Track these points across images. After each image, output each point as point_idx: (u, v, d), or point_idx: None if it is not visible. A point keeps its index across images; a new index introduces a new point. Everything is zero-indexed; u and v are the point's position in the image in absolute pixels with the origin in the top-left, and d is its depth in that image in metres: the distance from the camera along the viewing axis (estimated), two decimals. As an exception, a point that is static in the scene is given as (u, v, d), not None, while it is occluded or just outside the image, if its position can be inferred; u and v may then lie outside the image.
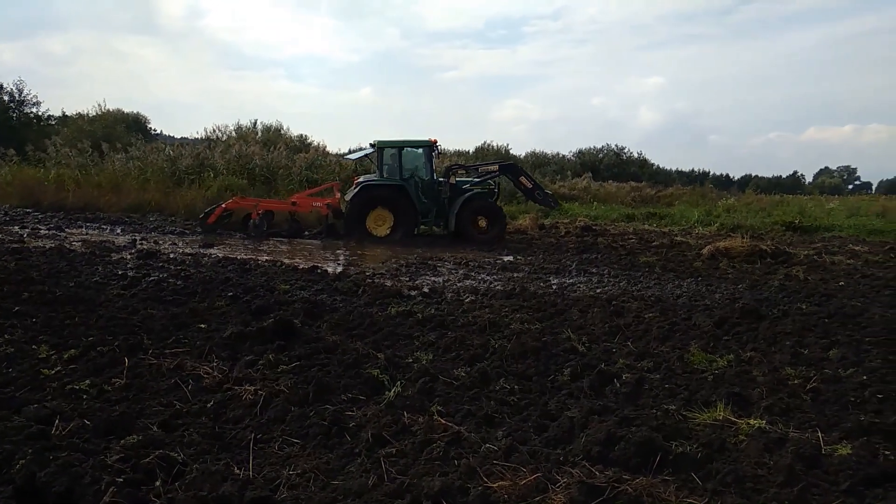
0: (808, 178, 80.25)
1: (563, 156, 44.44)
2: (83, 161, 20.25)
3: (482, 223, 14.62)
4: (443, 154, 17.86)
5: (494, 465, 2.99)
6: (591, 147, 46.08)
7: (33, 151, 21.12)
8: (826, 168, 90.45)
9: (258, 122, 34.35)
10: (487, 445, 3.24)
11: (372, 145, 15.15)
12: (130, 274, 7.54)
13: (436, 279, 9.06)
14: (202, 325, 5.31)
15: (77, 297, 5.90)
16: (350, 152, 24.99)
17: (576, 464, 3.03)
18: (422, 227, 15.07)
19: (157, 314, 5.52)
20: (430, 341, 5.29)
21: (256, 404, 3.68)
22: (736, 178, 62.35)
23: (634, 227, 19.35)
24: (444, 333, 5.54)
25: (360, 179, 15.06)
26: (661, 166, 49.60)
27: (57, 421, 3.24)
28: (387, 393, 3.98)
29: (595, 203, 26.61)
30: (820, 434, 3.43)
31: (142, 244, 11.04)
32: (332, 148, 32.89)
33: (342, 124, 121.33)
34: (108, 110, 32.47)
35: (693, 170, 57.49)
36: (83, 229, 13.29)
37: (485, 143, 39.97)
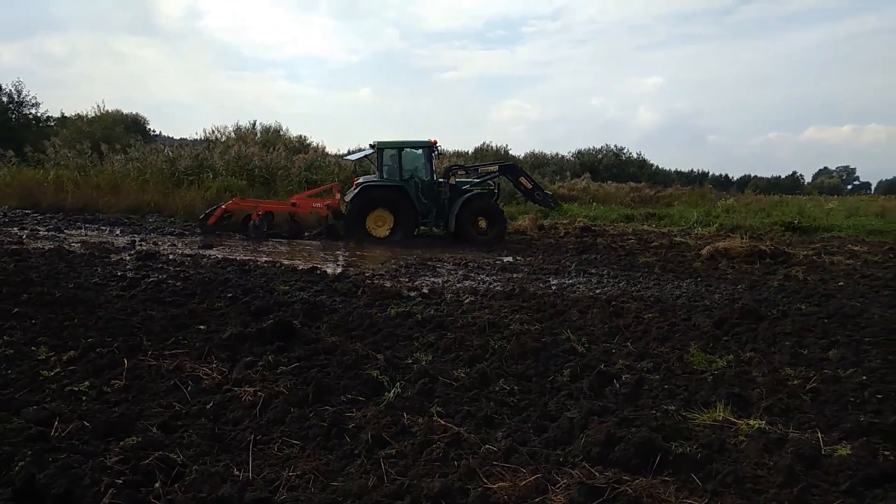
0: (808, 179, 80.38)
1: (563, 156, 44.54)
2: (82, 162, 20.24)
3: (482, 224, 14.63)
4: (442, 155, 17.86)
5: (494, 466, 2.98)
6: (591, 147, 46.18)
7: (32, 152, 21.11)
8: (825, 168, 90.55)
9: (257, 123, 34.44)
10: (487, 446, 3.24)
11: (372, 146, 15.16)
12: (130, 275, 7.53)
13: (435, 280, 9.06)
14: (201, 327, 5.31)
15: (76, 298, 5.89)
16: (349, 153, 25.02)
17: (575, 465, 3.03)
18: (422, 227, 15.06)
19: (156, 315, 5.52)
20: (429, 342, 5.29)
21: (256, 405, 3.68)
22: (735, 179, 62.46)
23: (634, 227, 19.36)
24: (444, 334, 5.54)
25: (360, 180, 15.06)
26: (660, 167, 49.72)
27: (56, 422, 3.24)
28: (386, 394, 3.98)
29: (594, 203, 26.63)
30: (819, 434, 3.43)
31: (141, 245, 11.04)
32: (332, 149, 33.04)
33: (341, 125, 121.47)
34: (107, 111, 32.58)
35: (692, 170, 57.62)
36: (82, 230, 13.28)
37: (484, 143, 40.07)
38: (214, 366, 4.35)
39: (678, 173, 52.66)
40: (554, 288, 8.58)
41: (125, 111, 35.72)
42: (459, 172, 16.40)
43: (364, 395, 3.98)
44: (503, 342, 5.24)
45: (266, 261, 9.88)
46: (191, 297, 6.48)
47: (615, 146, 46.54)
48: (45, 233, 12.24)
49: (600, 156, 45.24)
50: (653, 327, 6.01)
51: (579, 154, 45.36)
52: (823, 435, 3.43)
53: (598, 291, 8.33)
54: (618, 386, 4.28)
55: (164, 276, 7.63)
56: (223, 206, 14.49)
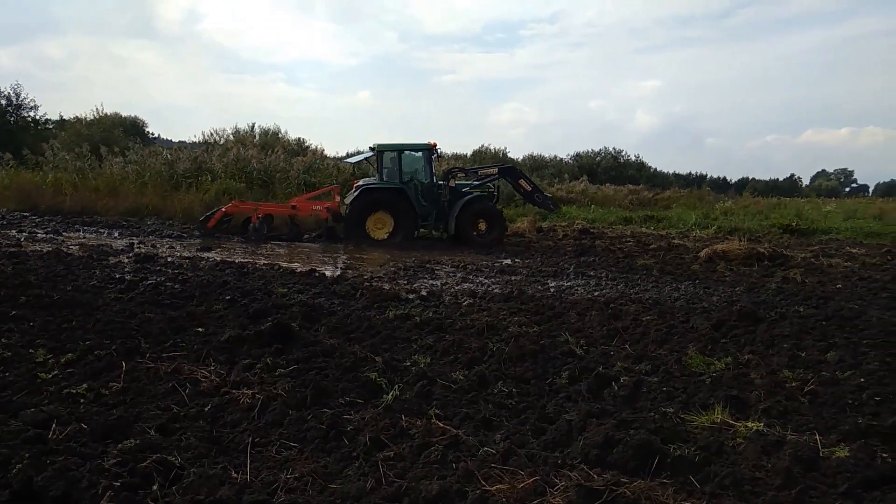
0: (805, 181, 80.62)
1: (561, 159, 44.64)
2: (81, 165, 20.24)
3: (482, 226, 14.65)
4: (441, 157, 17.87)
5: (492, 468, 2.98)
6: (589, 150, 46.28)
7: (30, 155, 21.09)
8: (823, 171, 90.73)
9: (256, 126, 34.48)
10: (485, 449, 3.24)
11: (371, 149, 15.16)
12: (128, 278, 7.53)
13: (434, 282, 9.06)
14: (200, 329, 5.30)
15: (74, 300, 5.89)
16: (348, 156, 25.04)
17: (574, 467, 3.03)
18: (421, 230, 15.06)
19: (154, 318, 5.51)
20: (427, 345, 5.29)
21: (254, 408, 3.68)
22: (733, 181, 62.59)
23: (632, 230, 19.38)
24: (442, 337, 5.54)
25: (360, 183, 15.07)
26: (658, 169, 49.82)
27: (54, 425, 3.23)
28: (385, 396, 3.98)
29: (592, 206, 26.65)
30: (818, 436, 3.43)
31: (139, 248, 11.03)
32: (330, 151, 33.04)
33: (340, 128, 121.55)
34: (106, 114, 32.62)
35: (690, 173, 57.72)
36: (80, 233, 13.27)
37: (482, 146, 40.13)
38: (213, 368, 4.35)
39: (676, 176, 52.79)
40: (552, 290, 8.58)
41: (124, 114, 35.84)
42: (459, 175, 16.41)
43: (362, 398, 3.98)
44: (501, 344, 5.24)
45: (264, 263, 9.88)
46: (189, 299, 6.47)
47: (613, 149, 46.71)
48: (44, 235, 12.23)
49: (598, 158, 45.32)
50: (651, 329, 6.01)
51: (578, 157, 45.46)
52: (821, 437, 3.43)
53: (596, 294, 8.33)
54: (616, 388, 4.28)
55: (163, 279, 7.62)
56: (223, 209, 14.49)
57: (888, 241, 16.34)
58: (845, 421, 3.72)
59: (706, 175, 59.33)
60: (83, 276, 7.45)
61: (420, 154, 15.11)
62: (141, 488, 2.70)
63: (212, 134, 32.64)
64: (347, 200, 14.66)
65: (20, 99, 31.82)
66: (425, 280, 9.26)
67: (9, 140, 26.44)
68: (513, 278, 9.62)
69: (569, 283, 9.32)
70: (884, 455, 3.18)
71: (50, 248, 9.60)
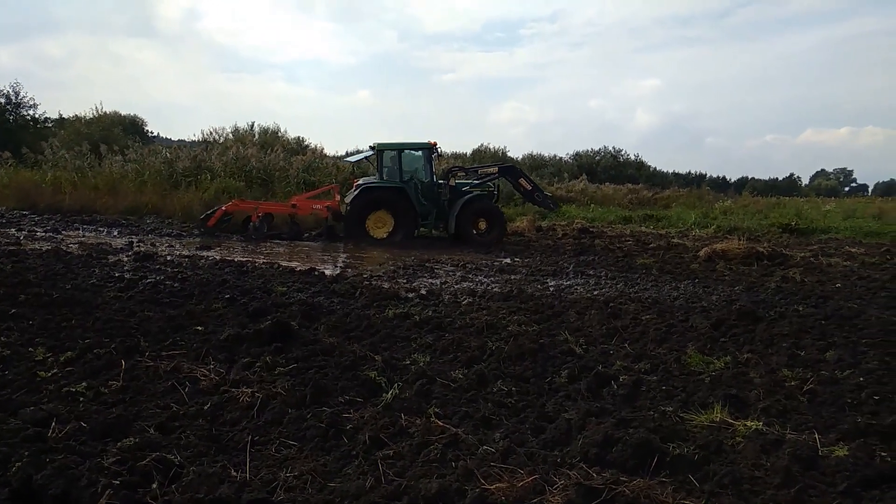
0: (805, 181, 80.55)
1: (561, 158, 44.60)
2: (80, 163, 20.22)
3: (482, 225, 14.64)
4: (441, 157, 17.88)
5: (492, 466, 2.98)
6: (589, 149, 46.26)
7: (29, 154, 21.08)
8: (822, 170, 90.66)
9: (255, 125, 34.47)
10: (485, 447, 3.24)
11: (372, 148, 15.16)
12: (127, 276, 7.52)
13: (433, 281, 9.06)
14: (199, 328, 5.30)
15: (74, 299, 5.88)
16: (348, 155, 25.02)
17: (573, 465, 3.03)
18: (421, 229, 15.06)
19: (153, 316, 5.51)
20: (427, 343, 5.29)
21: (253, 406, 3.68)
22: (733, 181, 62.53)
23: (631, 229, 19.38)
24: (442, 335, 5.54)
25: (360, 182, 15.07)
26: (657, 168, 49.80)
27: (53, 423, 3.23)
28: (384, 395, 3.98)
29: (592, 205, 26.66)
30: (817, 435, 3.44)
31: (139, 246, 11.02)
32: (330, 150, 33.02)
33: (340, 127, 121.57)
34: (105, 113, 32.58)
35: (690, 172, 57.71)
36: (80, 232, 13.26)
37: (482, 145, 40.12)
38: (212, 367, 4.34)
39: (676, 175, 52.77)
40: (552, 289, 8.58)
41: (123, 112, 35.81)
42: (459, 174, 16.41)
43: (362, 396, 3.98)
44: (501, 343, 5.24)
45: (264, 262, 9.87)
46: (188, 298, 6.47)
47: (613, 148, 46.68)
48: (43, 234, 12.22)
49: (598, 157, 45.31)
50: (650, 329, 6.01)
51: (577, 156, 45.45)
52: (821, 436, 3.44)
53: (595, 293, 8.33)
54: (615, 387, 4.28)
55: (162, 277, 7.62)
56: (223, 208, 14.48)
57: (887, 241, 16.36)
58: (844, 420, 3.72)
59: (705, 174, 59.41)
60: (82, 274, 7.44)
61: (420, 153, 15.12)
62: (140, 487, 2.70)
63: (211, 133, 32.67)
64: (347, 199, 14.65)
65: (19, 97, 31.76)
66: (425, 279, 9.26)
67: (8, 139, 26.40)
68: (512, 277, 9.62)
69: (568, 282, 9.32)
70: (883, 454, 3.19)
71: (49, 247, 9.59)
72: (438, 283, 8.93)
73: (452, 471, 2.96)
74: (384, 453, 3.17)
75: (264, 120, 52.52)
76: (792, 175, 77.71)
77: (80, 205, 16.78)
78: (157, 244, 11.84)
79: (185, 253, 10.60)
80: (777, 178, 71.86)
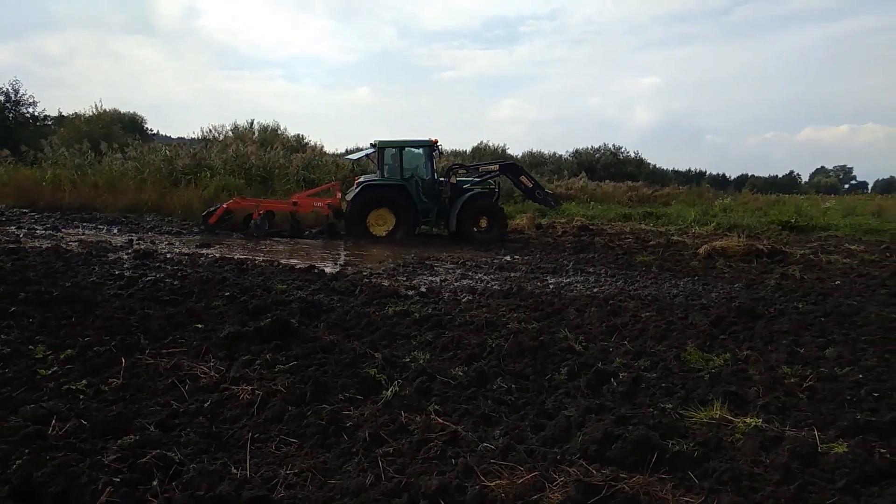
0: (805, 178, 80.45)
1: (560, 156, 44.58)
2: (80, 161, 20.20)
3: (483, 223, 14.63)
4: (441, 154, 17.87)
5: (492, 464, 2.99)
6: (588, 147, 46.22)
7: (28, 151, 21.06)
8: (822, 168, 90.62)
9: (255, 122, 34.41)
10: (484, 444, 3.24)
11: (373, 145, 15.15)
12: (127, 274, 7.52)
13: (433, 279, 9.06)
14: (199, 325, 5.30)
15: (74, 297, 5.88)
16: (348, 152, 25.01)
17: (573, 462, 3.03)
18: (423, 227, 15.05)
19: (153, 314, 5.51)
20: (427, 341, 5.29)
21: (253, 404, 3.68)
22: (732, 178, 62.52)
23: (631, 226, 19.38)
24: (442, 333, 5.54)
25: (361, 179, 15.05)
26: (657, 166, 49.78)
27: (53, 421, 3.23)
28: (384, 392, 3.98)
29: (592, 203, 26.66)
30: (816, 432, 3.44)
31: (138, 244, 11.02)
32: (330, 148, 33.00)
33: (339, 125, 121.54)
34: (105, 110, 32.52)
35: (690, 169, 57.73)
36: (80, 229, 13.25)
37: (481, 142, 40.05)
38: (212, 364, 4.35)
39: (676, 173, 52.78)
40: (552, 287, 8.58)
41: (123, 110, 35.72)
42: (460, 171, 16.40)
43: (362, 394, 3.98)
44: (501, 341, 5.24)
45: (264, 260, 9.87)
46: (188, 295, 6.47)
47: (613, 145, 46.65)
48: (43, 231, 12.21)
49: (598, 155, 45.27)
50: (650, 326, 6.02)
51: (577, 153, 45.42)
52: (820, 433, 3.44)
53: (595, 290, 8.33)
54: (615, 384, 4.28)
55: (162, 275, 7.61)
56: (224, 206, 14.48)
57: (887, 238, 16.37)
58: (844, 417, 3.73)
59: (705, 172, 59.41)
60: (82, 272, 7.44)
61: (421, 151, 15.10)
62: (140, 484, 2.71)
63: (211, 130, 32.60)
64: (348, 197, 14.64)
65: (19, 95, 31.75)
66: (424, 276, 9.26)
67: (7, 137, 26.36)
68: (512, 275, 9.62)
69: (568, 280, 9.32)
70: (882, 451, 3.19)
71: (49, 245, 9.58)
72: (438, 280, 8.93)
73: (452, 468, 2.96)
74: (384, 450, 3.17)
75: (264, 117, 52.56)
76: (791, 172, 77.71)
77: (79, 202, 16.77)
78: (157, 242, 11.84)
79: (185, 251, 10.60)
80: (777, 176, 71.86)
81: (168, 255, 9.62)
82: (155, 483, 2.71)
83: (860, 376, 4.50)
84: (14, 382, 3.80)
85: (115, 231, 13.42)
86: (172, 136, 37.27)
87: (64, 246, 9.65)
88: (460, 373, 4.41)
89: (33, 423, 3.16)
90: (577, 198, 28.29)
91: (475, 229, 14.55)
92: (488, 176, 15.90)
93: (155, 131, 40.03)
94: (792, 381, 4.43)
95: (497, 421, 3.66)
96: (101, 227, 13.95)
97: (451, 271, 9.89)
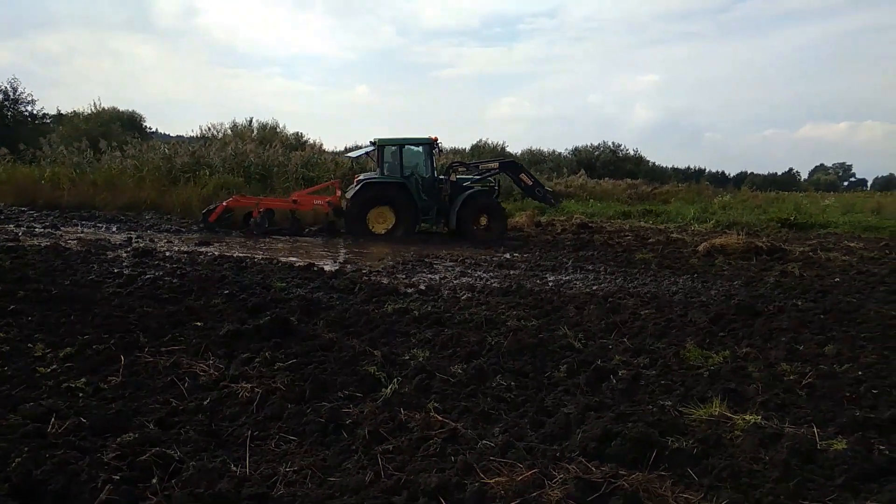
0: (804, 175, 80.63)
1: (559, 153, 44.49)
2: (78, 159, 20.18)
3: (483, 221, 14.60)
4: (441, 152, 17.84)
5: (491, 461, 2.99)
6: (588, 144, 46.15)
7: (27, 149, 21.03)
8: (821, 165, 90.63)
9: (254, 121, 34.31)
10: (484, 442, 3.24)
11: (372, 143, 15.12)
12: (126, 272, 7.52)
13: (432, 276, 9.06)
14: (198, 323, 5.30)
15: (73, 295, 5.88)
16: (347, 151, 24.98)
17: (572, 460, 3.03)
18: (423, 225, 15.04)
19: (153, 312, 5.51)
20: (426, 338, 5.29)
21: (253, 402, 3.68)
22: (732, 176, 62.63)
23: (630, 224, 19.37)
24: (441, 330, 5.54)
25: (361, 177, 15.03)
26: (656, 164, 49.74)
27: (53, 419, 3.24)
28: (383, 390, 3.98)
29: (591, 200, 26.63)
30: (815, 429, 3.45)
31: (137, 242, 11.01)
32: (329, 146, 32.94)
33: (338, 123, 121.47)
34: (104, 109, 32.42)
35: (689, 167, 57.77)
36: (79, 228, 13.24)
37: (480, 140, 39.96)
38: (211, 362, 4.35)
39: (675, 170, 52.82)
40: (551, 284, 8.58)
41: (121, 108, 35.61)
42: (460, 169, 16.37)
43: (361, 391, 3.98)
44: (500, 338, 5.24)
45: (263, 258, 9.87)
46: (187, 294, 6.46)
47: (612, 143, 46.55)
48: (42, 230, 12.20)
49: (597, 153, 45.22)
50: (649, 323, 6.02)
51: (576, 151, 45.36)
52: (819, 430, 3.45)
53: (594, 288, 8.34)
54: (614, 381, 4.29)
55: (161, 273, 7.61)
56: (224, 203, 14.47)
57: (886, 235, 16.38)
58: (843, 414, 3.73)
59: (705, 169, 59.50)
60: (81, 270, 7.44)
61: (421, 148, 15.07)
62: (140, 482, 2.71)
63: (209, 128, 32.49)
64: (348, 195, 14.63)
65: (17, 93, 31.73)
66: (424, 274, 9.26)
67: (6, 135, 26.30)
68: (511, 272, 9.62)
69: (567, 278, 9.32)
70: (881, 447, 3.20)
71: (48, 243, 9.58)
72: (437, 278, 8.93)
73: (452, 465, 2.96)
74: (384, 448, 3.17)
75: (263, 115, 52.46)
76: (791, 170, 77.88)
77: (78, 201, 16.74)
78: (156, 240, 11.83)
79: (184, 249, 10.60)
80: (776, 173, 72.00)
81: (167, 254, 9.61)
82: (154, 481, 2.71)
83: (859, 373, 4.51)
84: (13, 380, 3.80)
85: (114, 229, 13.41)
86: (171, 135, 37.22)
87: (63, 244, 9.65)
88: (460, 370, 4.41)
89: (33, 422, 3.17)
90: (576, 195, 28.24)
91: (475, 227, 14.53)
92: (488, 174, 15.87)
93: (154, 129, 39.96)
94: (791, 378, 4.43)
95: (496, 418, 3.67)
96: (99, 225, 13.94)
97: (450, 269, 9.89)
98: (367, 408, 3.65)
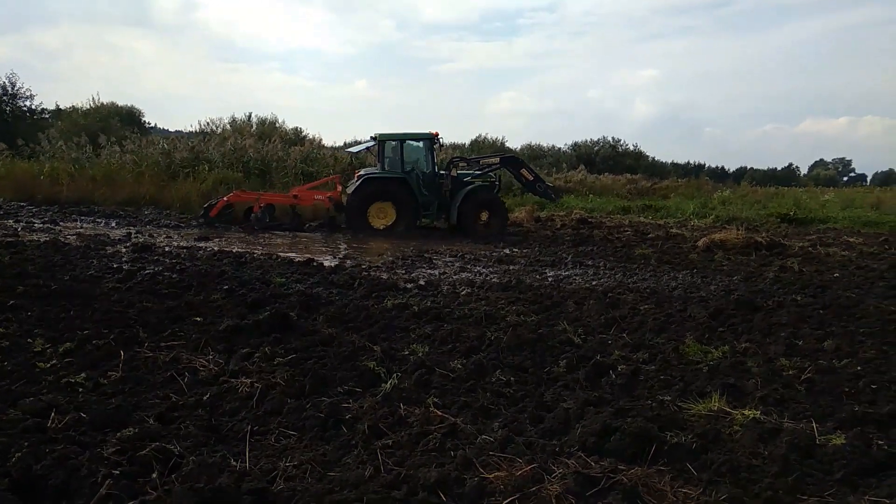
0: (804, 170, 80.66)
1: (559, 148, 44.45)
2: (77, 155, 20.14)
3: (484, 216, 14.58)
4: (442, 147, 17.81)
5: (490, 456, 2.99)
6: (587, 139, 46.08)
7: (25, 145, 20.99)
8: (821, 160, 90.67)
9: (253, 115, 34.26)
10: (483, 437, 3.25)
11: (373, 138, 15.09)
12: (126, 267, 7.51)
13: (432, 272, 9.06)
14: (198, 319, 5.30)
15: (72, 290, 5.87)
16: (346, 146, 24.95)
17: (571, 454, 3.04)
18: (423, 220, 15.02)
19: (152, 307, 5.51)
20: (426, 334, 5.29)
21: (253, 397, 3.68)
22: (731, 171, 62.65)
23: (630, 219, 19.37)
24: (441, 326, 5.54)
25: (362, 172, 15.00)
26: (656, 159, 49.65)
27: (53, 414, 3.24)
28: (383, 385, 3.98)
29: (591, 195, 26.61)
30: (814, 424, 3.45)
31: (137, 237, 11.00)
32: (328, 141, 32.88)
33: (337, 117, 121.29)
34: (102, 103, 32.34)
35: (689, 162, 57.68)
36: (78, 223, 13.23)
37: (479, 135, 39.91)
38: (211, 357, 4.35)
39: (675, 165, 52.69)
40: (550, 279, 8.59)
41: (120, 103, 35.50)
42: (461, 164, 16.34)
43: (361, 387, 3.99)
44: (500, 333, 5.24)
45: (262, 253, 9.86)
46: (187, 289, 6.46)
47: (612, 138, 46.47)
48: (41, 225, 12.19)
49: (597, 148, 45.16)
50: (649, 318, 6.02)
51: (576, 146, 45.29)
52: (818, 425, 3.45)
53: (594, 283, 8.34)
54: (614, 377, 4.29)
55: (160, 269, 7.61)
56: (225, 199, 14.46)
57: (885, 231, 16.39)
58: (842, 408, 3.74)
59: (704, 164, 59.45)
60: (81, 265, 7.43)
61: (422, 144, 15.05)
62: (140, 477, 2.71)
63: (208, 123, 32.42)
64: (349, 190, 14.61)
65: (16, 88, 31.63)
66: (423, 269, 9.26)
67: (4, 130, 26.27)
68: (511, 268, 9.62)
69: (567, 273, 9.32)
70: (880, 442, 3.20)
71: (47, 238, 9.57)
72: (437, 273, 8.93)
73: (451, 460, 2.97)
74: (383, 443, 3.18)
75: (262, 110, 52.39)
76: (790, 165, 77.92)
77: (77, 196, 16.71)
78: (156, 235, 11.82)
79: (184, 244, 10.59)
80: (776, 168, 72.05)
81: (166, 249, 9.60)
82: (154, 475, 2.71)
83: (858, 368, 4.51)
84: (13, 375, 3.80)
85: (114, 224, 13.40)
86: (170, 130, 37.10)
87: (62, 239, 9.64)
88: (459, 365, 4.41)
89: (32, 416, 3.17)
90: (575, 191, 28.23)
91: (476, 223, 14.51)
92: (489, 169, 15.85)
93: (153, 124, 39.88)
94: (790, 373, 4.44)
95: (496, 413, 3.67)
96: (99, 220, 13.93)
97: (449, 264, 9.89)
98: (366, 403, 3.66)
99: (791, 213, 18.91)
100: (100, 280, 6.63)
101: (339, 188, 15.59)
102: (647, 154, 47.93)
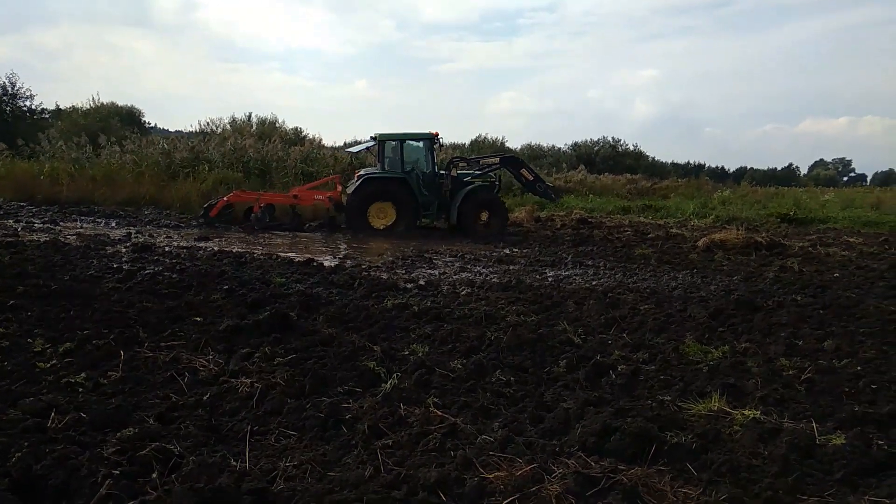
0: (804, 170, 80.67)
1: (559, 148, 44.44)
2: (77, 155, 20.14)
3: (484, 216, 14.58)
4: (442, 147, 17.80)
5: (490, 456, 2.99)
6: (587, 139, 46.07)
7: (25, 145, 20.99)
8: (821, 160, 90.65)
9: (253, 115, 34.26)
10: (483, 437, 3.25)
11: (373, 138, 15.09)
12: (126, 267, 7.51)
13: (432, 272, 9.06)
14: (198, 319, 5.30)
15: (72, 290, 5.87)
16: (346, 146, 24.95)
17: (571, 454, 3.04)
18: (423, 220, 15.01)
19: (152, 307, 5.51)
20: (426, 334, 5.29)
21: (253, 397, 3.68)
22: (731, 171, 62.66)
23: (630, 219, 19.37)
24: (441, 326, 5.54)
25: (362, 172, 15.00)
26: (656, 159, 49.64)
27: (53, 414, 3.24)
28: (383, 385, 3.98)
29: (591, 195, 26.61)
30: (814, 424, 3.45)
31: (137, 237, 11.00)
32: (328, 141, 32.88)
33: (337, 118, 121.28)
34: (102, 104, 32.34)
35: (689, 162, 57.68)
36: (78, 223, 13.23)
37: (479, 135, 39.90)
38: (211, 357, 4.35)
39: (675, 165, 52.69)
40: (550, 279, 8.59)
41: (120, 103, 35.50)
42: (461, 164, 16.33)
43: (361, 387, 3.99)
44: (500, 333, 5.24)
45: (262, 253, 9.86)
46: (187, 289, 6.46)
47: (612, 138, 46.46)
48: (41, 225, 12.19)
49: (597, 148, 45.15)
50: (649, 318, 6.02)
51: (576, 146, 45.29)
52: (818, 425, 3.45)
53: (594, 283, 8.34)
54: (614, 377, 4.29)
55: (160, 269, 7.61)
56: (225, 199, 14.46)
57: (885, 231, 16.39)
58: (842, 408, 3.74)
59: (704, 164, 59.45)
60: (81, 265, 7.43)
61: (422, 144, 15.04)
62: (140, 477, 2.71)
63: (208, 123, 32.42)
64: (349, 190, 14.61)
65: (16, 88, 31.63)
66: (423, 269, 9.26)
67: (4, 130, 26.27)
68: (511, 268, 9.62)
69: (567, 273, 9.32)
70: (880, 442, 3.20)
71: (47, 238, 9.57)
72: (437, 273, 8.93)
73: (451, 460, 2.97)
74: (383, 443, 3.18)
75: (262, 110, 52.39)
76: (790, 165, 77.92)
77: (77, 196, 16.71)
78: (156, 235, 11.82)
79: (184, 244, 10.59)
80: (776, 168, 72.08)
81: (166, 249, 9.60)
82: (154, 475, 2.71)
83: (858, 368, 4.51)
84: (13, 375, 3.80)
85: (114, 224, 13.40)
86: (170, 130, 37.10)
87: (62, 239, 9.64)
88: (459, 365, 4.41)
89: (32, 416, 3.17)
90: (575, 191, 28.23)
91: (476, 223, 14.51)
92: (489, 169, 15.84)
93: (153, 124, 39.88)
94: (790, 373, 4.44)
95: (496, 413, 3.67)
96: (99, 220, 13.93)
97: (449, 264, 9.89)
98: (366, 403, 3.66)
99: (791, 213, 18.91)
100: (100, 280, 6.63)
101: (339, 188, 15.58)
102: (647, 154, 47.98)
